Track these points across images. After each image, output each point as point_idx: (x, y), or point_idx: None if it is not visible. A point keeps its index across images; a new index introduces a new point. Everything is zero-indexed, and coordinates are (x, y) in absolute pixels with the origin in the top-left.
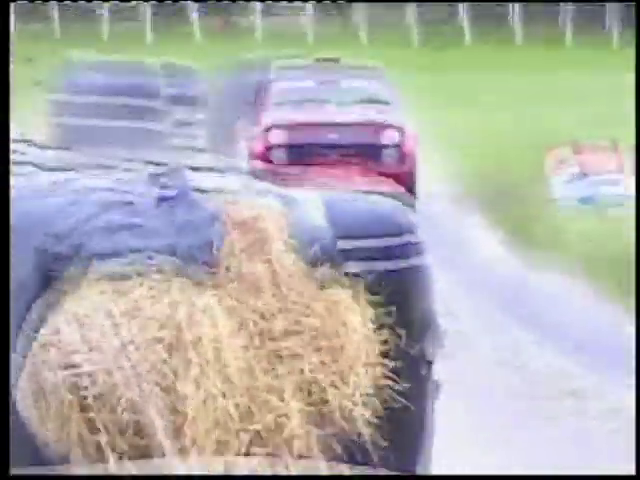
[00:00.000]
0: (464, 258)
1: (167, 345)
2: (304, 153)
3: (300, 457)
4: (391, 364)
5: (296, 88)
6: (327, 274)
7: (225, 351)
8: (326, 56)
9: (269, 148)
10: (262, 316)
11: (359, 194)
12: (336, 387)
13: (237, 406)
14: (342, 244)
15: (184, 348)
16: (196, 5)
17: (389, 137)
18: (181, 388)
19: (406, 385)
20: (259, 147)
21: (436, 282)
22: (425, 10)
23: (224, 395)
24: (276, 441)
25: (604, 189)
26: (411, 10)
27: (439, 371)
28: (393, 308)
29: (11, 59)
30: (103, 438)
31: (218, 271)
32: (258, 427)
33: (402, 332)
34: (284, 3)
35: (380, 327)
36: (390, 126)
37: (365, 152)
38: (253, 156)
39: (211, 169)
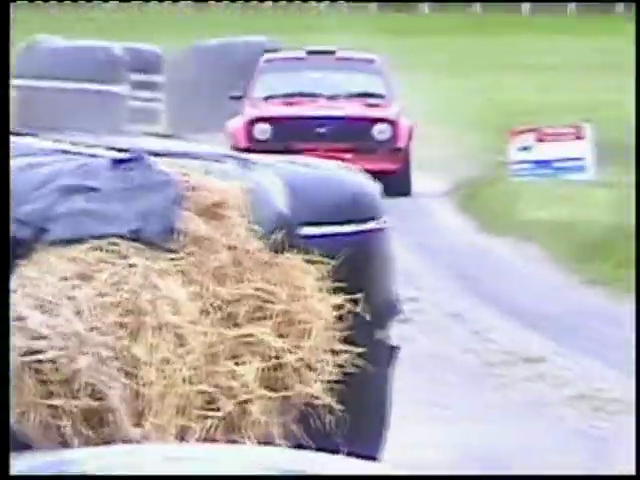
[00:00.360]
0: (421, 227)
1: (130, 331)
2: (290, 148)
3: (261, 442)
4: (347, 330)
5: (285, 80)
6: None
7: (189, 337)
8: (320, 47)
9: (253, 142)
10: (227, 304)
11: (322, 176)
12: (292, 352)
13: (200, 393)
14: (305, 230)
15: (147, 334)
16: None
17: (381, 132)
18: (144, 374)
19: (362, 350)
20: (242, 141)
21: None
22: None
23: (187, 379)
24: (236, 428)
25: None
26: None
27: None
28: (349, 276)
29: None
30: (66, 424)
31: (182, 257)
32: (220, 414)
33: (357, 298)
34: None
35: (335, 293)
36: (382, 120)
37: (356, 147)
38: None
39: (179, 154)
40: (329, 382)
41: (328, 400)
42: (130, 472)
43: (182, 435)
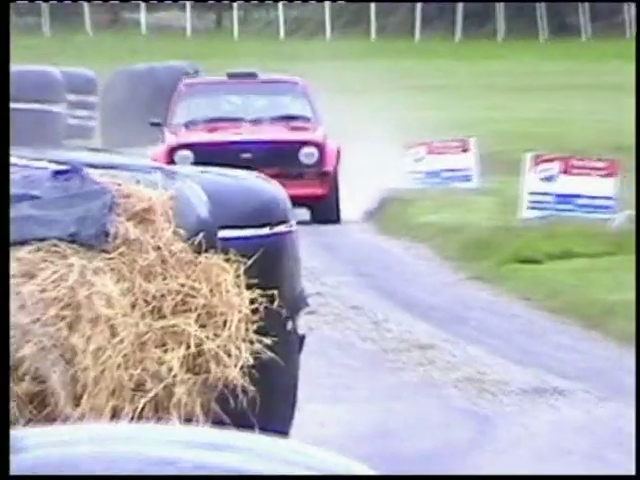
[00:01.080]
0: (328, 230)
1: (69, 323)
2: None
3: (185, 420)
4: (260, 322)
5: (206, 105)
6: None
7: (121, 328)
8: (241, 70)
9: None
10: (154, 299)
11: (238, 184)
12: (211, 339)
13: (131, 377)
14: (223, 233)
15: (84, 325)
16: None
17: (308, 155)
18: (82, 361)
19: (274, 339)
20: None
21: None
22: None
23: (119, 366)
24: (163, 408)
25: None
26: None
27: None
28: (262, 273)
29: None
30: (12, 405)
31: (114, 257)
32: (149, 395)
33: (270, 293)
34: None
35: (250, 288)
36: (309, 143)
37: (283, 172)
38: None
39: (111, 166)
40: (244, 367)
41: (243, 383)
42: (64, 449)
43: (115, 415)
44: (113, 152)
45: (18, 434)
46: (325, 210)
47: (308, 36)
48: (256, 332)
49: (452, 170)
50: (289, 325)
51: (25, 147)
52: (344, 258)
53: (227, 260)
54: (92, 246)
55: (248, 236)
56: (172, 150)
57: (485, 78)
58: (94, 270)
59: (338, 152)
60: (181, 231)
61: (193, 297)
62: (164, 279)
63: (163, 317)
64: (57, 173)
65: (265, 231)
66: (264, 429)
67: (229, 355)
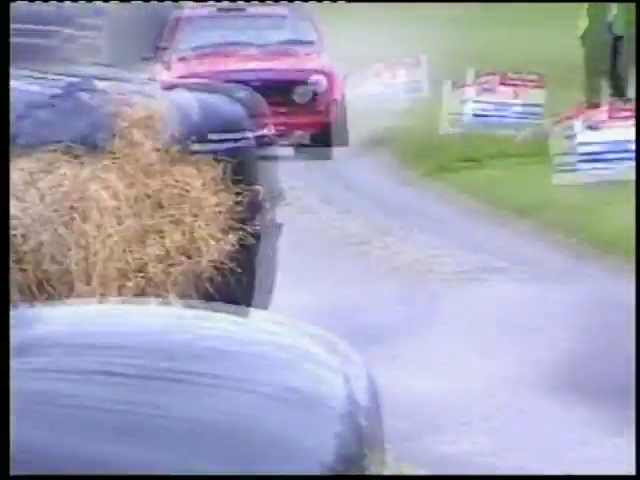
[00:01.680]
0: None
1: (81, 212)
2: None
3: (180, 297)
4: (243, 214)
5: (206, 35)
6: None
7: (125, 218)
8: (229, 5)
9: None
10: (150, 192)
11: (219, 97)
12: (202, 228)
13: (135, 260)
14: (212, 136)
15: (94, 215)
16: None
17: (316, 84)
18: (92, 245)
19: (256, 227)
20: None
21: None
22: None
23: (124, 251)
24: (162, 286)
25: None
26: None
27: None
28: (245, 171)
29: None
30: (33, 284)
31: (120, 157)
32: (150, 275)
33: (252, 188)
34: None
35: (235, 184)
36: (316, 71)
37: (291, 101)
38: None
39: (114, 78)
40: (231, 252)
41: (229, 264)
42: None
43: (120, 291)
44: (117, 67)
45: (19, 312)
46: (334, 136)
47: None
48: (240, 221)
49: (406, 82)
50: (266, 216)
51: (41, 64)
52: (318, 163)
53: (215, 160)
54: (100, 147)
55: (232, 139)
56: (169, 89)
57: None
58: (102, 168)
59: (343, 79)
60: (177, 134)
61: (187, 191)
62: (162, 176)
63: (161, 208)
64: (71, 85)
65: (247, 135)
66: (245, 304)
67: (218, 241)
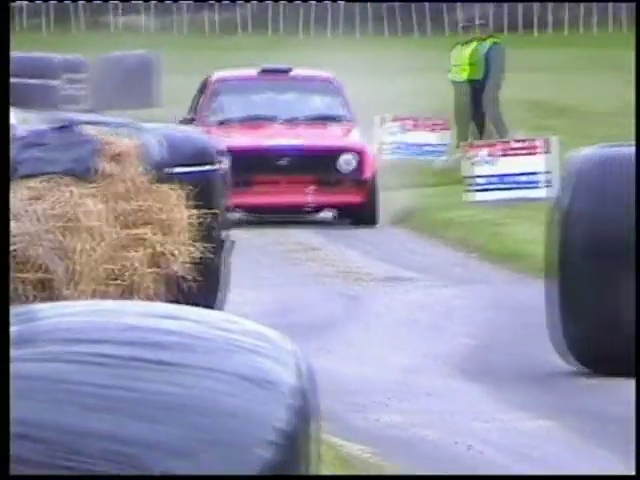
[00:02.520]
0: None
1: (67, 231)
2: (249, 180)
3: (148, 298)
4: (203, 232)
5: (239, 102)
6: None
7: (103, 235)
8: (273, 66)
9: None
10: (126, 214)
11: (183, 134)
12: (166, 243)
13: (110, 269)
14: (177, 169)
15: (79, 233)
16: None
17: (347, 162)
18: (76, 258)
19: (212, 245)
20: None
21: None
22: None
23: (102, 261)
24: (135, 291)
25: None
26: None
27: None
28: (203, 197)
29: None
30: (22, 289)
31: (98, 186)
32: (124, 283)
33: (210, 212)
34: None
35: (195, 208)
36: (348, 149)
37: (320, 179)
38: None
39: (96, 122)
40: (192, 264)
41: (189, 275)
42: (63, 318)
43: (99, 296)
44: (97, 113)
45: (16, 310)
46: (363, 216)
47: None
48: (201, 239)
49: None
50: (222, 234)
51: (34, 110)
52: None
53: (177, 188)
54: (83, 178)
55: (192, 171)
56: None
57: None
58: (85, 195)
59: (375, 157)
60: (145, 168)
61: (153, 213)
62: (133, 201)
63: (131, 227)
64: (58, 127)
65: (204, 167)
66: (206, 305)
67: (180, 254)
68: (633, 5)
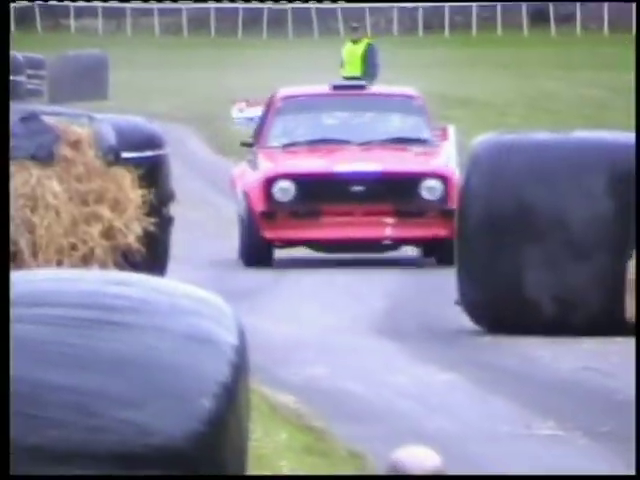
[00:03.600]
0: (182, 151)
1: (31, 208)
2: (319, 211)
3: (100, 266)
4: (149, 209)
5: (307, 123)
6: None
7: (62, 212)
8: (348, 82)
9: (272, 204)
10: (82, 194)
11: (133, 122)
12: (118, 219)
13: (68, 242)
14: (125, 154)
15: (40, 210)
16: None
17: (430, 189)
18: (38, 231)
19: (156, 219)
20: (259, 204)
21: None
22: None
23: (61, 235)
24: (90, 260)
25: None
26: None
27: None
28: (149, 178)
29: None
30: None
31: (58, 169)
32: (80, 253)
33: (153, 192)
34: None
35: (141, 188)
36: (431, 174)
37: (400, 209)
38: (253, 212)
39: (55, 113)
40: (139, 237)
41: (138, 246)
42: (26, 284)
43: (59, 265)
44: (56, 106)
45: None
46: (449, 253)
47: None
48: (145, 215)
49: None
50: (164, 211)
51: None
52: (193, 164)
53: (127, 170)
54: (46, 163)
55: (140, 156)
56: (269, 180)
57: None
58: (46, 177)
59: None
60: (99, 153)
61: (107, 193)
62: (88, 182)
63: (88, 205)
64: (23, 118)
65: (150, 153)
66: (150, 273)
67: (128, 229)
68: (525, 5)
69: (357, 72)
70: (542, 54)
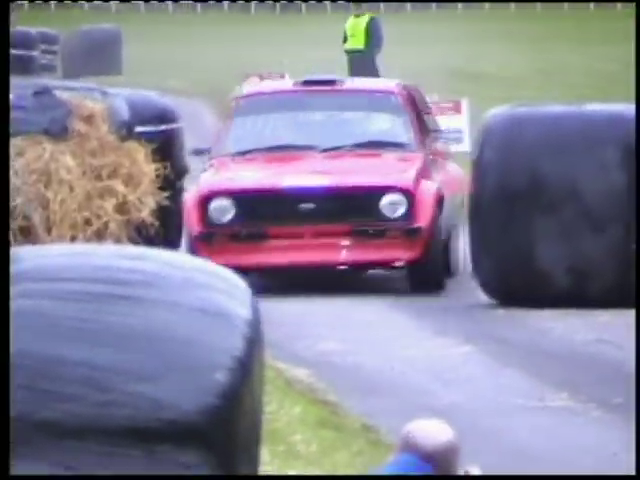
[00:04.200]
0: (197, 127)
1: (44, 183)
2: (262, 234)
3: (116, 242)
4: (162, 183)
5: (265, 125)
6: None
7: (75, 187)
8: (315, 77)
9: (208, 227)
10: (96, 169)
11: (145, 98)
12: (132, 194)
13: (82, 216)
14: (138, 128)
15: (54, 185)
16: None
17: (392, 204)
18: (52, 207)
19: (170, 192)
20: (195, 225)
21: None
22: None
23: (75, 210)
24: (104, 234)
25: None
26: None
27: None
28: (162, 153)
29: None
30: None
31: (71, 144)
32: (94, 228)
33: (167, 165)
34: None
35: (155, 162)
36: (393, 188)
37: (357, 229)
38: (189, 234)
39: (68, 88)
40: (153, 211)
41: (152, 220)
42: (45, 260)
43: (73, 240)
44: (69, 81)
45: (15, 250)
46: (420, 276)
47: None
48: (159, 188)
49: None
50: (178, 184)
51: (16, 76)
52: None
53: (141, 145)
54: (59, 137)
55: (153, 130)
56: (205, 198)
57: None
58: (59, 151)
59: (439, 197)
60: (113, 127)
61: (121, 168)
62: (102, 157)
63: (101, 180)
64: (37, 92)
65: (163, 127)
66: (169, 247)
67: (142, 203)
68: None
69: (361, 45)
70: (555, 28)
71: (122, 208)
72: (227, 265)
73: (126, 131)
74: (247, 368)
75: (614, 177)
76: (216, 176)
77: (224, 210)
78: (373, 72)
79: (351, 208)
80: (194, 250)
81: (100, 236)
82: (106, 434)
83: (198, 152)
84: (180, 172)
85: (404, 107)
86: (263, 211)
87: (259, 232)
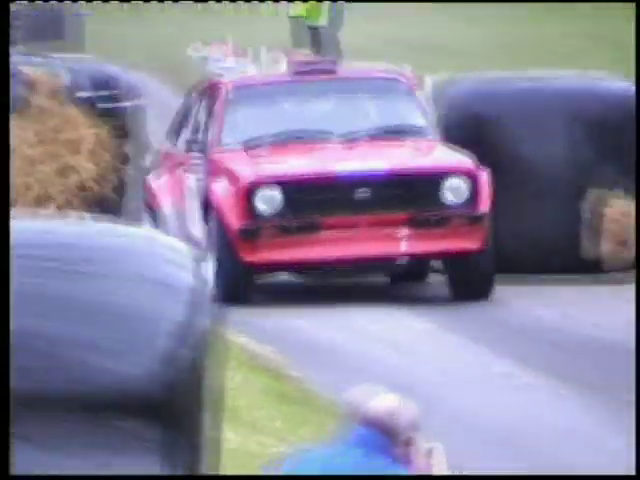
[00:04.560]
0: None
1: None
2: (316, 225)
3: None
4: (125, 157)
5: (269, 114)
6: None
7: (38, 162)
8: (311, 62)
9: (254, 219)
10: (40, 133)
11: (108, 73)
12: (94, 170)
13: (45, 191)
14: (100, 103)
15: (16, 162)
16: None
17: (454, 191)
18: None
19: (131, 169)
20: (236, 219)
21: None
22: None
23: (20, 175)
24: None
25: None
26: None
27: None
28: (126, 128)
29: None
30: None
31: (34, 119)
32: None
33: (126, 142)
34: None
35: (117, 138)
36: (456, 171)
37: (417, 217)
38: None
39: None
40: (115, 186)
41: (114, 196)
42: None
43: (47, 205)
44: (30, 54)
45: None
46: (475, 273)
47: None
48: (122, 163)
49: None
50: (140, 159)
51: None
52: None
53: (104, 121)
54: (20, 113)
55: (117, 106)
56: (248, 189)
57: None
58: (21, 127)
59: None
60: (56, 93)
61: (83, 142)
62: (65, 132)
63: (64, 156)
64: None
65: (126, 103)
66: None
67: (105, 179)
68: None
69: (324, 21)
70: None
71: (86, 185)
72: (276, 261)
73: (90, 106)
74: (191, 335)
75: (556, 145)
76: (252, 165)
77: (272, 201)
78: (335, 47)
79: (410, 195)
80: (233, 246)
81: (42, 201)
82: (52, 402)
83: (190, 143)
84: (143, 147)
85: (412, 92)
86: (315, 200)
87: (311, 223)
